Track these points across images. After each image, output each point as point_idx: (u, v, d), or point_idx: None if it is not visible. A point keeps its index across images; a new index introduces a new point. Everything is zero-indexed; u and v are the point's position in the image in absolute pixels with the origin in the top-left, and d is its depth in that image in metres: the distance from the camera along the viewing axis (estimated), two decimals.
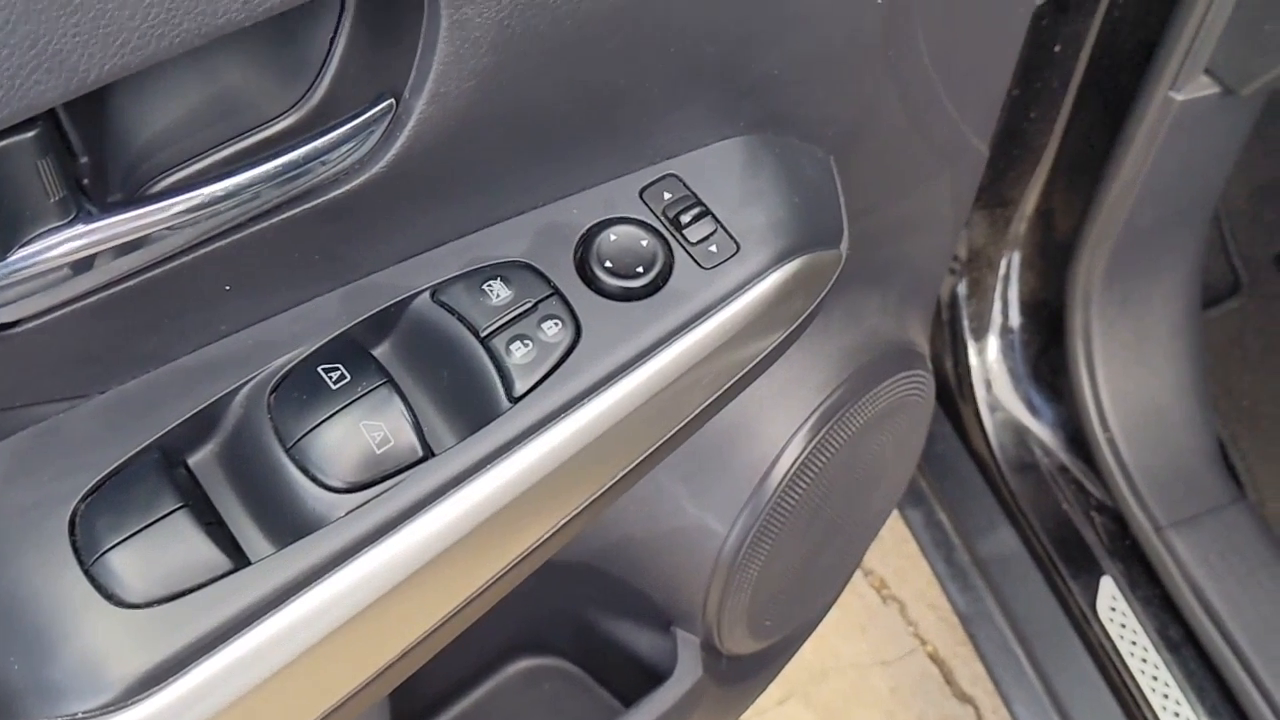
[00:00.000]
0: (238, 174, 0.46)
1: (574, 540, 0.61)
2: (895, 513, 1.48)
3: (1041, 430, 1.34)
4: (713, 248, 0.56)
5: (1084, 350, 1.25)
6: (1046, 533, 1.30)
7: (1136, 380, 1.26)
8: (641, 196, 0.57)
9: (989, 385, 1.34)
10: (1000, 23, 0.77)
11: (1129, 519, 1.25)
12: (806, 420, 0.83)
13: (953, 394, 1.37)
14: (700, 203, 0.57)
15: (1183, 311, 1.28)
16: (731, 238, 0.57)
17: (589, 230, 0.55)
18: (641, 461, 0.57)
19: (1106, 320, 1.24)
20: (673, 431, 0.58)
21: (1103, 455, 1.26)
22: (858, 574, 1.69)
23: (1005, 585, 1.31)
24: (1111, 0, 1.11)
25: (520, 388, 0.51)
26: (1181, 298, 1.27)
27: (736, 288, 0.56)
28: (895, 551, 1.68)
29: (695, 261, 0.56)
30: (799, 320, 0.61)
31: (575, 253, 0.55)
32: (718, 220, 0.57)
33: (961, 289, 1.34)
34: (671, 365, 0.55)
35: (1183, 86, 1.07)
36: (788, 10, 0.55)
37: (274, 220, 0.47)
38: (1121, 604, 1.23)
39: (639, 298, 0.55)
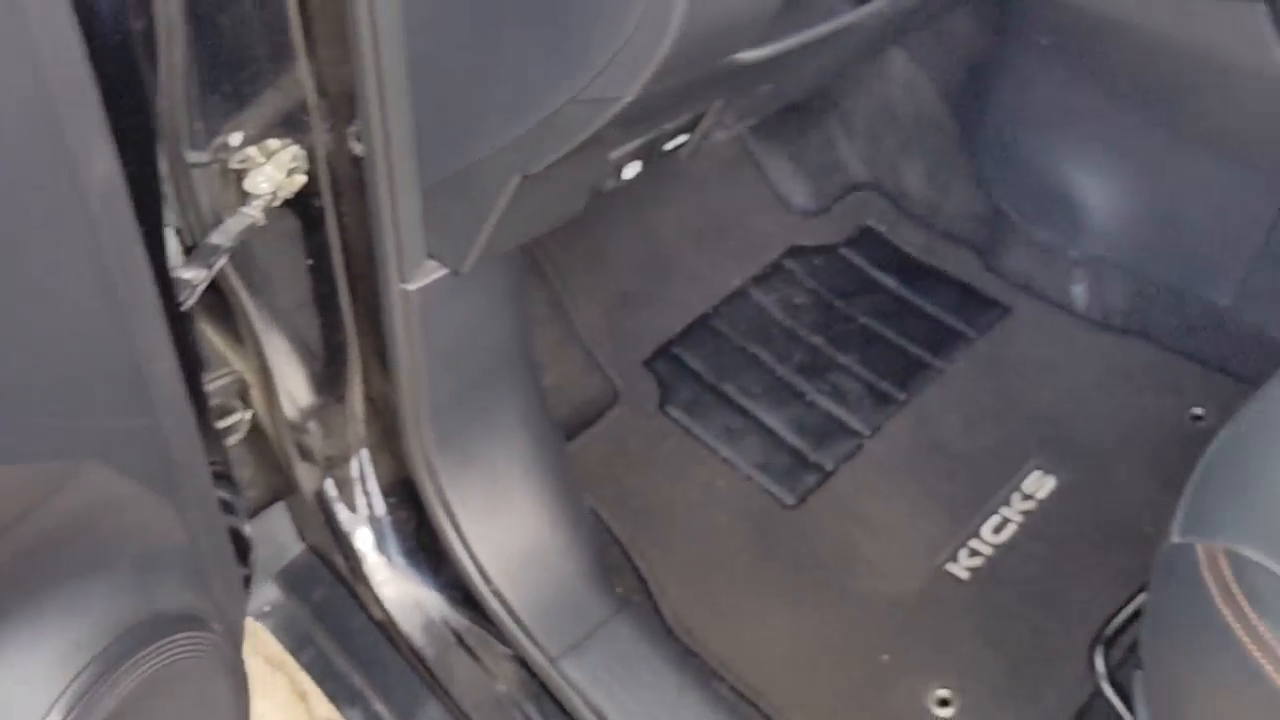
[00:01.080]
0: None
1: None
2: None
3: (437, 599, 1.39)
4: None
5: (446, 517, 1.31)
6: (465, 696, 1.34)
7: (502, 530, 1.33)
8: None
9: (380, 569, 1.38)
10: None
11: (529, 660, 1.31)
12: None
13: (352, 586, 1.40)
14: None
15: (528, 453, 1.36)
16: None
17: None
18: None
19: (455, 484, 1.30)
20: None
21: (493, 607, 1.32)
22: None
23: None
24: (337, 212, 1.18)
25: None
26: (521, 441, 1.36)
27: None
28: None
29: None
30: None
31: None
32: None
33: (330, 488, 1.38)
34: None
35: (412, 277, 1.14)
36: None
37: None
38: None
39: None
